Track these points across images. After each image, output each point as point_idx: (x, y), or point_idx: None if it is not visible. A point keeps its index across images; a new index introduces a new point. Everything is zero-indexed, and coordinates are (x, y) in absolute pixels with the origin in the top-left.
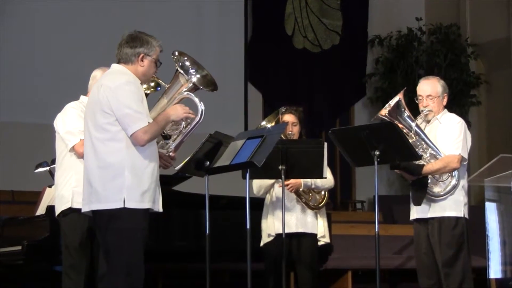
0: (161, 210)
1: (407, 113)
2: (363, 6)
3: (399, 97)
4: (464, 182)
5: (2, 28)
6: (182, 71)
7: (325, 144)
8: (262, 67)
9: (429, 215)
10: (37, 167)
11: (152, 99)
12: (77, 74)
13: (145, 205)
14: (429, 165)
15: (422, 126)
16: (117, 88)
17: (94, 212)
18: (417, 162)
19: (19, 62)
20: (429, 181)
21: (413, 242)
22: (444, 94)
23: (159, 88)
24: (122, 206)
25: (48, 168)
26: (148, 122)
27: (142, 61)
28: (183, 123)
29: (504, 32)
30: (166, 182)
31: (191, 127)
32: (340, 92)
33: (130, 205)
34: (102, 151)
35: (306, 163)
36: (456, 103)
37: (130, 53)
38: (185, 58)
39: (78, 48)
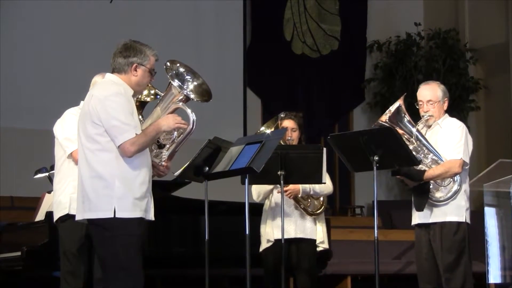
0: (152, 218)
1: (407, 118)
2: (361, 11)
3: (399, 102)
4: (466, 187)
5: (2, 33)
6: (174, 82)
7: (324, 149)
8: (261, 73)
9: (430, 220)
10: (36, 173)
11: (150, 106)
12: (77, 79)
13: (137, 214)
14: (431, 171)
15: (423, 131)
16: (105, 99)
17: (88, 220)
18: (418, 168)
19: (19, 68)
20: (431, 186)
21: (414, 247)
22: (445, 99)
23: (158, 96)
24: (112, 216)
25: (47, 174)
26: (136, 134)
27: (136, 70)
28: (175, 132)
29: (503, 37)
30: (165, 188)
31: (183, 136)
32: (338, 97)
33: (121, 214)
34: (93, 161)
35: (305, 169)
36: (455, 108)
37: (123, 62)
38: (178, 65)
39: (78, 53)
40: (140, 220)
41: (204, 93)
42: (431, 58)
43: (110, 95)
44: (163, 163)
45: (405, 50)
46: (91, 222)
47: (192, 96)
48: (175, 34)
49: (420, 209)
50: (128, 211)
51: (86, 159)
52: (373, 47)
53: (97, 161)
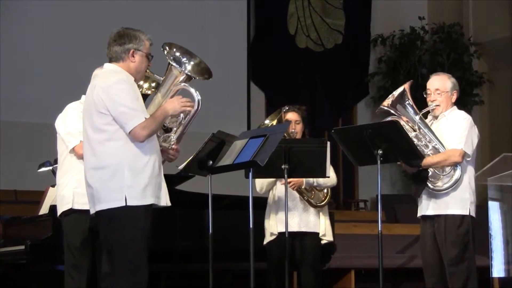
0: (169, 204)
1: (411, 103)
2: (365, 5)
3: (404, 87)
4: (470, 180)
5: (3, 27)
6: (174, 63)
7: (328, 143)
8: (265, 67)
9: (435, 213)
10: (40, 167)
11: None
12: (79, 73)
13: (148, 200)
14: (429, 158)
15: (430, 123)
16: (109, 87)
17: (97, 212)
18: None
19: (22, 62)
20: (429, 174)
21: (417, 241)
22: (454, 91)
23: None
24: (124, 204)
25: (51, 167)
26: (145, 118)
27: (133, 56)
28: (182, 114)
29: (507, 31)
30: (169, 181)
31: (189, 117)
32: (342, 91)
33: (132, 202)
34: (101, 152)
35: (309, 163)
36: (459, 102)
37: (120, 50)
38: (175, 49)
39: (79, 47)
40: (149, 208)
41: (204, 71)
42: (435, 52)
43: (114, 83)
44: (173, 146)
45: (409, 44)
46: (101, 213)
47: (193, 75)
48: (179, 29)
49: (416, 195)
50: (138, 198)
51: (92, 151)
52: (377, 41)
53: (105, 152)
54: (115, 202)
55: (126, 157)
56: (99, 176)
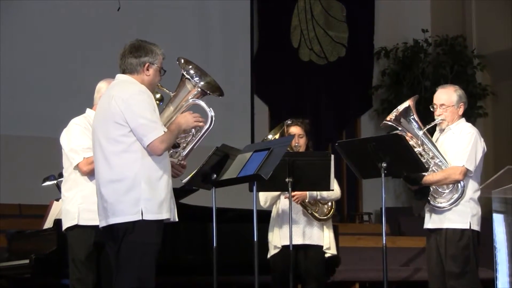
0: (176, 219)
1: (416, 119)
2: (369, 18)
3: (409, 103)
4: (472, 194)
5: (5, 40)
6: (188, 76)
7: (332, 156)
8: (268, 80)
9: (437, 226)
10: (44, 181)
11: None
12: (82, 86)
13: (163, 215)
14: (430, 176)
15: (436, 135)
16: (129, 98)
17: (109, 226)
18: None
19: (24, 76)
20: (431, 190)
21: (421, 254)
22: (460, 104)
23: (161, 103)
24: (140, 218)
25: (55, 181)
26: (164, 131)
27: (148, 70)
28: (193, 130)
29: (510, 43)
30: (173, 195)
31: (200, 134)
32: (346, 104)
33: (148, 216)
34: (116, 164)
35: (313, 176)
36: (463, 115)
37: (135, 63)
38: (190, 66)
39: (82, 59)
40: (161, 223)
41: (215, 89)
42: (438, 64)
43: (133, 94)
44: (182, 162)
45: (413, 56)
46: (114, 227)
47: (206, 90)
48: (182, 42)
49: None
50: (154, 213)
51: (107, 163)
52: (381, 54)
53: (121, 164)
54: (131, 216)
55: (142, 170)
56: (115, 189)
